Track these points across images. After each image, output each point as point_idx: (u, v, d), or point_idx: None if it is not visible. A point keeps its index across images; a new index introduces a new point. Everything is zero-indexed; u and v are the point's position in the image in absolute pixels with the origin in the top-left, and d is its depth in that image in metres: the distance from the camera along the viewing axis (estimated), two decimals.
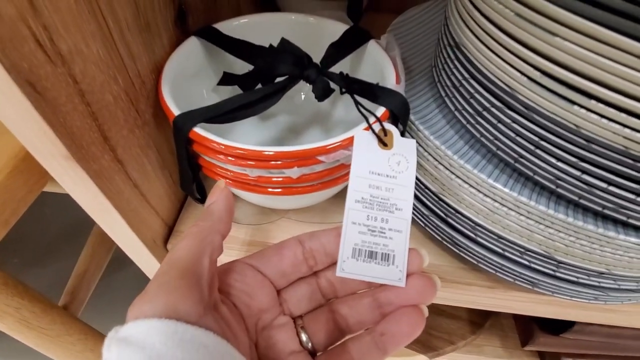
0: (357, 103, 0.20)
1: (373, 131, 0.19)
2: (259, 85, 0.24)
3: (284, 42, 0.22)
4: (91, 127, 0.16)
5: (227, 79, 0.25)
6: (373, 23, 0.47)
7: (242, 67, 0.25)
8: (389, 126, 0.20)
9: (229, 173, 0.21)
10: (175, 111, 0.19)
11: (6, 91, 0.13)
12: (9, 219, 0.24)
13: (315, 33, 0.27)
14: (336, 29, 0.26)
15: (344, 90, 0.21)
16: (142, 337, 0.12)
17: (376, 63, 0.25)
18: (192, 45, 0.24)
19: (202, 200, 0.24)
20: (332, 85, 0.23)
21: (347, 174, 0.20)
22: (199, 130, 0.19)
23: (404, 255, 0.18)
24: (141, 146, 0.21)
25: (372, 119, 0.20)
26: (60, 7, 0.14)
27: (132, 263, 0.26)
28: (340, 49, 0.24)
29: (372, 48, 0.25)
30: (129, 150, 0.20)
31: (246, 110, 0.20)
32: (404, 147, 0.20)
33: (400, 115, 0.21)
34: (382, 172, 0.19)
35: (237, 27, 0.26)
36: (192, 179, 0.22)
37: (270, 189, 0.21)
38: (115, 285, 0.70)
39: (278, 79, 0.22)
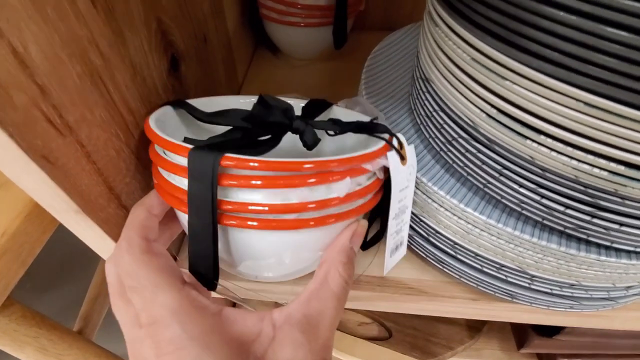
0: (369, 133, 0.21)
1: (397, 150, 0.20)
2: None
3: (265, 97, 0.21)
4: (97, 182, 0.19)
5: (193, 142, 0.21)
6: (359, 42, 0.49)
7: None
8: (402, 138, 0.22)
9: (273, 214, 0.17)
10: (185, 146, 0.16)
11: (24, 167, 0.15)
12: (26, 259, 0.26)
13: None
14: (301, 104, 0.26)
15: (336, 132, 0.21)
16: None
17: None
18: (167, 111, 0.23)
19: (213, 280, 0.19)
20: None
21: (375, 196, 0.21)
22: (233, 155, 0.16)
23: (407, 235, 0.25)
24: (143, 189, 0.23)
25: (386, 138, 0.21)
26: (66, 86, 0.16)
27: None
28: (308, 116, 0.24)
29: (339, 111, 0.26)
30: (132, 195, 0.22)
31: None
32: (411, 155, 0.22)
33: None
34: (404, 186, 0.21)
35: (203, 103, 0.24)
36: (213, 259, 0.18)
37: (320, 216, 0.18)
38: None
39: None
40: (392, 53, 0.35)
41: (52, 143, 0.15)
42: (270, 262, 0.20)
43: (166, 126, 0.21)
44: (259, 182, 0.16)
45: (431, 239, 0.26)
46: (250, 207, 0.17)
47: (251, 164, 0.16)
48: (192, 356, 0.14)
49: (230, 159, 0.16)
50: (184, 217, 0.18)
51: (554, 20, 0.15)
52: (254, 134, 0.21)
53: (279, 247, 0.19)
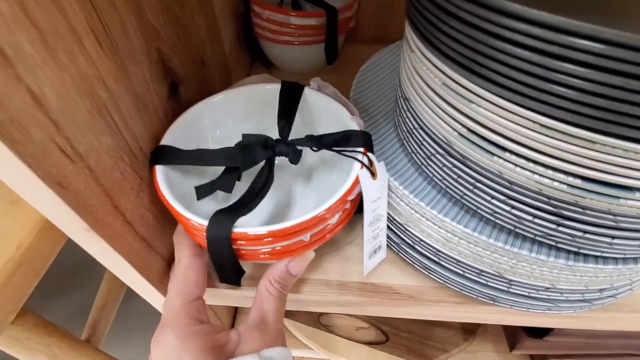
0: (340, 152, 0.24)
1: (368, 169, 0.24)
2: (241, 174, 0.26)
3: (244, 136, 0.25)
4: (105, 202, 0.20)
5: (202, 191, 0.26)
6: (351, 55, 0.51)
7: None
8: (372, 157, 0.25)
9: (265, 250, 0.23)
10: (204, 223, 0.21)
11: (41, 193, 0.17)
12: (39, 271, 0.28)
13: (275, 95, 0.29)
14: (276, 87, 0.29)
15: (314, 149, 0.25)
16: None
17: (324, 107, 0.28)
18: (164, 172, 0.25)
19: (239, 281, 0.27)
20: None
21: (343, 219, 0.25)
22: (241, 229, 0.21)
23: (385, 240, 0.28)
24: (146, 205, 0.25)
25: (360, 157, 0.24)
26: (77, 120, 0.18)
27: None
28: (286, 110, 0.27)
29: (311, 95, 0.29)
30: (136, 211, 0.24)
31: (258, 198, 0.24)
32: (382, 171, 0.25)
33: (368, 146, 0.25)
34: (376, 198, 0.24)
35: (216, 102, 0.29)
36: (235, 271, 0.25)
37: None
38: (128, 314, 0.74)
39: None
40: (378, 70, 0.37)
41: (65, 170, 0.17)
42: None
43: (173, 175, 0.26)
44: (267, 255, 0.23)
45: (416, 246, 0.27)
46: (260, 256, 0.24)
47: (253, 233, 0.21)
48: None
49: (237, 234, 0.21)
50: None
51: (509, 54, 0.17)
52: (246, 167, 0.25)
53: None
